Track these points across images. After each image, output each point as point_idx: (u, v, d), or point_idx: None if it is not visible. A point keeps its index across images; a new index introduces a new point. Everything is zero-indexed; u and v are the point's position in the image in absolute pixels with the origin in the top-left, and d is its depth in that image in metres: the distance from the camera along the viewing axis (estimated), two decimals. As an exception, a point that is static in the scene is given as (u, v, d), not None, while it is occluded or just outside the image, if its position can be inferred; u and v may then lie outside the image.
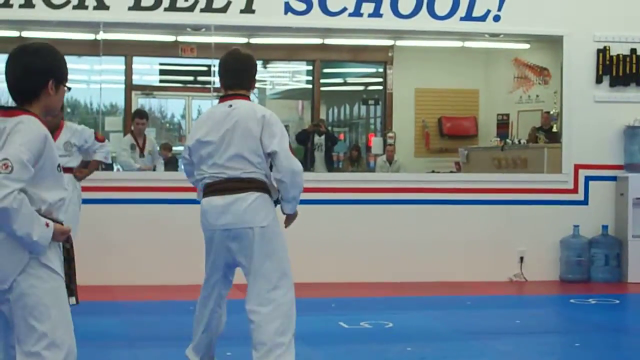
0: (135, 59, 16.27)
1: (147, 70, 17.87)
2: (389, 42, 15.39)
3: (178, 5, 10.78)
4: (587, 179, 11.50)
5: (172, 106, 19.77)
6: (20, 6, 10.46)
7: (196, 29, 11.69)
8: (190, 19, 11.03)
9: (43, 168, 3.81)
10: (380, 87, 17.49)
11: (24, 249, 3.75)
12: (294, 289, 5.54)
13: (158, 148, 13.00)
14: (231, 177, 5.47)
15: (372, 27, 11.36)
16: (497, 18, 11.28)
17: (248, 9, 10.87)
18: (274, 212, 5.54)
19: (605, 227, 11.36)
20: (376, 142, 16.99)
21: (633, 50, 11.63)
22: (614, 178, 11.53)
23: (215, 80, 13.23)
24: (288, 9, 10.94)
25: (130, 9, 10.71)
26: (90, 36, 12.30)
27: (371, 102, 18.68)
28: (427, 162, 16.31)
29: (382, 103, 17.50)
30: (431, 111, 16.97)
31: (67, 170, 7.74)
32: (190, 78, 17.53)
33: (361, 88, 19.60)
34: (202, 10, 10.83)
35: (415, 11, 11.15)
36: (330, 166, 15.77)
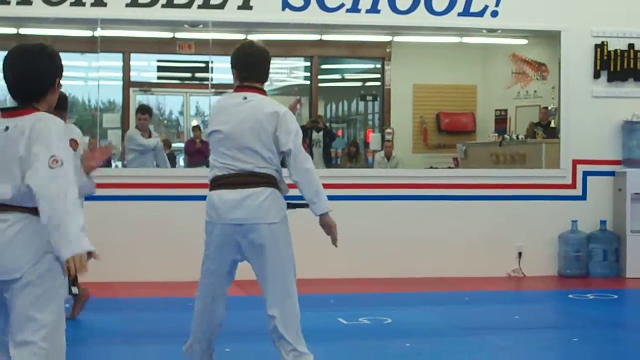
0: (133, 55, 16.29)
1: (144, 66, 17.87)
2: (387, 38, 15.40)
3: (175, 1, 10.77)
4: (585, 174, 11.51)
5: (170, 103, 19.75)
6: (18, 3, 10.44)
7: (194, 25, 11.70)
8: (187, 16, 11.03)
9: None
10: (378, 83, 17.51)
11: (42, 241, 3.85)
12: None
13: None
14: (243, 171, 5.43)
15: (369, 23, 11.36)
16: (494, 14, 11.28)
17: (245, 5, 10.87)
18: (285, 209, 5.51)
19: (603, 222, 11.37)
20: (374, 138, 17.00)
21: (631, 45, 11.64)
22: (612, 173, 11.54)
23: (214, 76, 13.26)
24: (285, 5, 10.94)
25: (127, 5, 10.70)
26: (87, 33, 12.31)
27: (369, 98, 18.68)
28: (425, 158, 16.32)
29: (380, 99, 17.52)
30: (429, 107, 16.98)
31: None
32: (188, 74, 17.53)
33: (359, 84, 19.61)
34: (199, 7, 10.82)
35: (413, 7, 11.14)
36: (329, 162, 15.77)
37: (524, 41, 14.82)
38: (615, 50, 11.58)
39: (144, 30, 13.08)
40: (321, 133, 15.86)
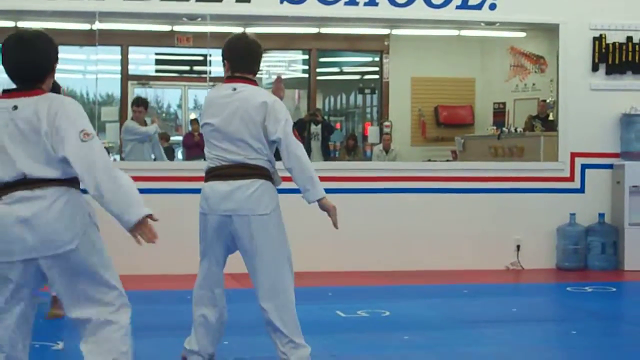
0: (131, 48, 16.27)
1: (143, 60, 17.85)
2: (385, 31, 15.41)
3: (173, -6, 10.78)
4: (584, 167, 11.51)
5: (168, 96, 19.75)
6: (16, -4, 10.46)
7: (192, 18, 11.68)
8: (186, 9, 11.01)
9: None
10: (377, 76, 17.51)
11: (84, 210, 4.15)
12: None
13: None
14: (235, 163, 5.45)
15: (368, 15, 11.34)
16: (493, 6, 11.27)
17: (244, -2, 10.87)
18: (277, 200, 5.52)
19: (601, 215, 11.38)
20: (372, 131, 17.00)
21: (629, 38, 11.64)
22: (610, 166, 11.55)
23: (212, 69, 13.25)
24: (284, -3, 10.94)
25: (126, -2, 10.71)
26: (86, 26, 12.28)
27: (367, 91, 18.69)
28: (423, 151, 16.33)
29: (379, 92, 17.52)
30: (427, 100, 16.97)
31: None
32: (187, 68, 17.52)
33: (357, 77, 19.60)
34: (197, 0, 10.81)
35: (411, 0, 11.14)
36: (327, 155, 15.76)
37: (522, 34, 14.81)
38: (614, 43, 11.58)
39: (142, 23, 13.04)
40: (319, 126, 15.84)
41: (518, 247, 11.31)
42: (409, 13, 11.25)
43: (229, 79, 5.63)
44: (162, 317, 7.89)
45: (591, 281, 10.37)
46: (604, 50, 11.55)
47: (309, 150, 15.20)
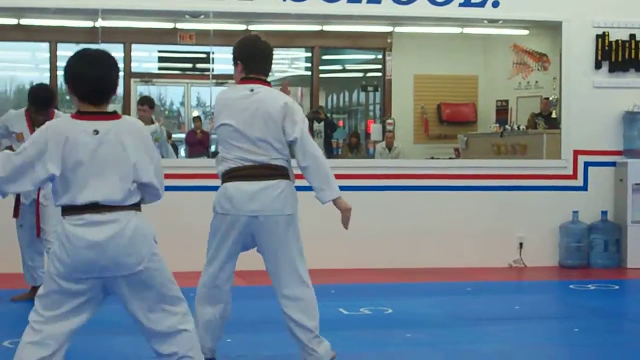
0: (134, 46, 16.30)
1: (146, 57, 17.88)
2: (388, 29, 15.40)
3: (176, -8, 10.78)
4: (587, 164, 11.50)
5: (171, 93, 19.76)
6: (19, -7, 10.47)
7: (195, 15, 11.68)
8: (188, 6, 11.01)
9: None
10: (379, 74, 17.52)
11: (152, 232, 4.33)
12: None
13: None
14: (258, 163, 5.48)
15: (371, 13, 11.33)
16: (495, 4, 11.27)
17: (247, -5, 10.86)
18: (297, 200, 5.60)
19: (604, 213, 11.37)
20: (375, 129, 17.01)
21: (632, 36, 11.62)
22: (613, 164, 11.54)
23: (215, 67, 13.25)
24: (287, -5, 10.94)
25: (128, -5, 10.71)
26: (88, 23, 12.28)
27: (370, 88, 18.69)
28: (426, 149, 16.34)
29: (381, 89, 17.53)
30: (430, 97, 17.00)
31: None
32: (189, 65, 17.54)
33: (360, 75, 19.62)
34: (200, -3, 10.83)
35: (414, -3, 11.15)
36: (330, 153, 15.77)
37: (525, 32, 14.82)
38: (617, 41, 11.56)
39: (144, 21, 13.07)
40: (322, 124, 15.85)
41: (521, 244, 11.30)
42: (412, 10, 11.24)
43: (244, 80, 5.64)
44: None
45: (594, 279, 10.36)
46: (607, 48, 11.54)
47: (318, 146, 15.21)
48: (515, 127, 13.87)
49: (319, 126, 15.73)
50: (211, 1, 10.88)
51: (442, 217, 11.10)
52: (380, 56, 17.36)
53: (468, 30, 14.22)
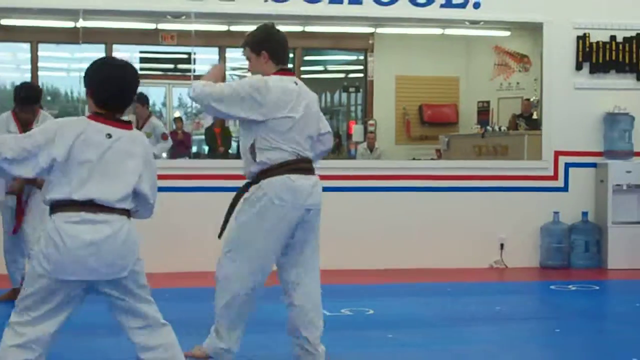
0: (115, 46, 16.22)
1: (127, 58, 17.77)
2: (370, 30, 15.41)
3: (158, -8, 10.75)
4: (567, 165, 11.54)
5: (152, 94, 19.66)
6: (-1, -7, 10.42)
7: (176, 16, 11.65)
8: (170, 7, 11.00)
9: None
10: (361, 75, 17.53)
11: (137, 239, 4.39)
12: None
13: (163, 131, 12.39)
14: (306, 157, 5.57)
15: (352, 14, 11.34)
16: (477, 5, 11.29)
17: (228, -4, 10.85)
18: None
19: (585, 214, 11.41)
20: (357, 130, 17.01)
21: (613, 37, 11.67)
22: (593, 165, 11.58)
23: (196, 67, 13.21)
24: (268, -4, 10.93)
25: (109, -4, 10.68)
26: (69, 24, 12.23)
27: (352, 89, 18.69)
28: (408, 150, 16.35)
29: (363, 90, 17.53)
30: (412, 99, 17.01)
31: None
32: (171, 66, 17.48)
33: (342, 75, 19.60)
34: (182, -2, 10.81)
35: (396, -2, 11.16)
36: (311, 154, 15.72)
37: (507, 33, 14.84)
38: (597, 42, 11.61)
39: (126, 21, 13.02)
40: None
41: (502, 245, 11.33)
42: (394, 12, 11.26)
43: (282, 71, 5.59)
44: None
45: (574, 279, 10.39)
46: (587, 49, 11.58)
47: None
48: (497, 128, 13.90)
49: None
50: (193, 2, 10.86)
51: (423, 217, 11.11)
52: (362, 57, 17.37)
53: (449, 31, 14.23)
